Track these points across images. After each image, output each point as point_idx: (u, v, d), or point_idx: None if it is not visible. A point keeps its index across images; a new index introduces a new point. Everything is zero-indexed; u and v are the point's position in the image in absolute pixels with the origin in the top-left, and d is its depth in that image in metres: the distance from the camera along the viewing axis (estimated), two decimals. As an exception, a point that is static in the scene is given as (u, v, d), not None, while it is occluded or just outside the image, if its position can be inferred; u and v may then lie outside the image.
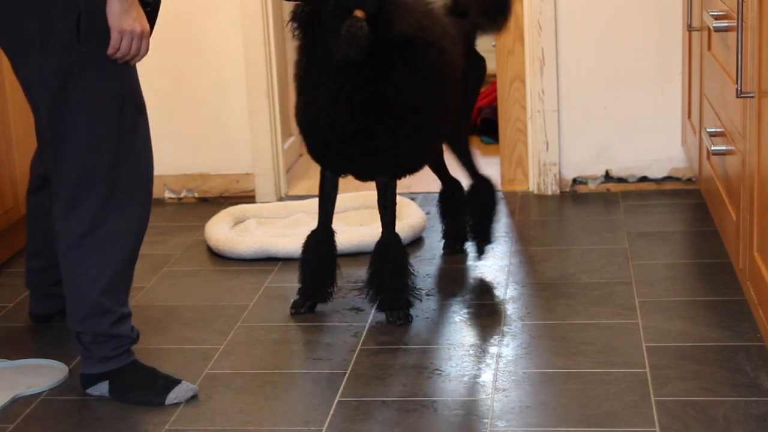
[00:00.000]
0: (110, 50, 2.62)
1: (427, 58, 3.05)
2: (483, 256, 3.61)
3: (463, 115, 3.44)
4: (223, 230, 3.87)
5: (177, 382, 2.80)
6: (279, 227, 3.99)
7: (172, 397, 2.77)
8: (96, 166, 2.69)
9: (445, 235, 3.71)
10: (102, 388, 2.81)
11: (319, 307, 3.31)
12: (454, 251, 3.68)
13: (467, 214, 3.61)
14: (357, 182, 3.28)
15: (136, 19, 2.62)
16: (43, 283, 3.22)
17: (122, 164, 2.72)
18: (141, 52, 2.66)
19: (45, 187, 3.03)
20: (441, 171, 3.65)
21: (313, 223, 3.98)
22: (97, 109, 2.67)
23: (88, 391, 2.82)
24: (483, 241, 3.61)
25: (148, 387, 2.79)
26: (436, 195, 4.33)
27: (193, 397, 2.76)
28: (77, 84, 2.65)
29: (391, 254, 3.16)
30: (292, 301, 3.30)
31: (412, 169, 3.20)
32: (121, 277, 2.78)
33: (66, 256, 2.74)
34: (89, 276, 2.73)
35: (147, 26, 2.66)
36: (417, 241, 3.82)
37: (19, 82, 2.77)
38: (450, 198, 3.65)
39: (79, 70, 2.64)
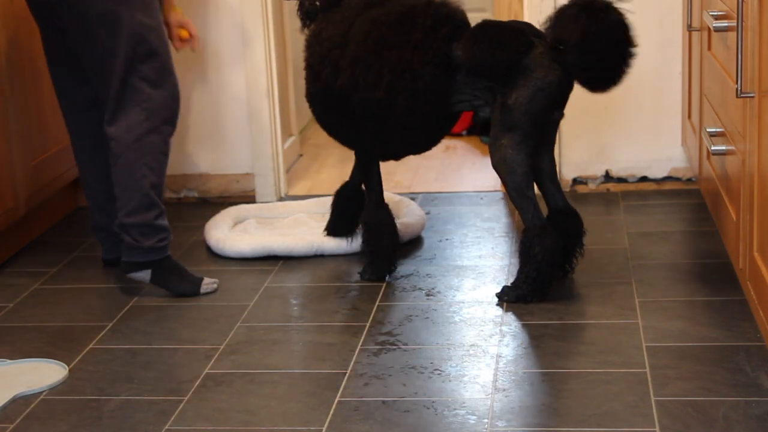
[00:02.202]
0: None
1: None
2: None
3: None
4: (223, 230, 3.88)
5: (200, 278, 3.45)
6: (278, 227, 3.99)
7: (204, 288, 3.43)
8: (136, 86, 3.34)
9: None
10: (144, 275, 3.42)
11: (319, 307, 3.31)
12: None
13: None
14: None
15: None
16: (112, 226, 3.56)
17: (158, 85, 3.37)
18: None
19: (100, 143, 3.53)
20: (545, 193, 3.43)
21: (313, 223, 4.00)
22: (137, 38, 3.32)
23: (130, 275, 3.43)
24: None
25: (184, 280, 3.44)
26: (437, 195, 4.35)
27: (194, 396, 2.76)
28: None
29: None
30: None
31: None
32: (162, 176, 3.42)
33: (121, 158, 3.34)
34: (142, 173, 3.34)
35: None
36: (416, 241, 3.82)
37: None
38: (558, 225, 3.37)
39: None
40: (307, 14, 3.56)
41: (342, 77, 3.35)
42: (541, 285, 3.25)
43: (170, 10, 3.76)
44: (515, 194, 3.25)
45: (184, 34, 3.80)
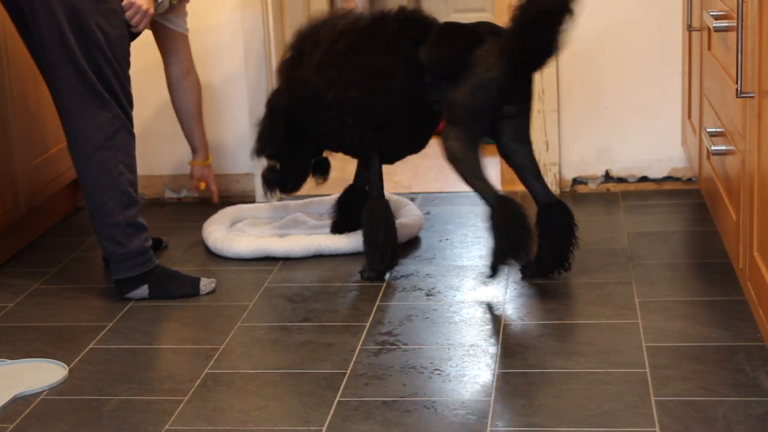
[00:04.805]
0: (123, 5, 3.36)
1: None
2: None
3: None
4: (221, 230, 3.88)
5: (198, 278, 3.43)
6: (275, 227, 3.99)
7: (202, 288, 3.42)
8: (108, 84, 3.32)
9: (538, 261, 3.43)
10: (142, 292, 3.38)
11: (319, 307, 3.31)
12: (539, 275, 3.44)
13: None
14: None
15: (147, 1, 3.39)
16: None
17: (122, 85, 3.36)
18: (140, 26, 3.41)
19: None
20: (531, 189, 3.46)
21: (311, 222, 4.01)
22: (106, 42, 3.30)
23: (128, 295, 3.39)
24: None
25: (180, 283, 3.41)
26: (436, 195, 4.35)
27: (194, 396, 2.76)
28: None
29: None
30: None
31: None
32: (136, 173, 3.39)
33: (93, 157, 3.30)
34: (119, 170, 3.31)
35: (152, 8, 3.42)
36: (415, 241, 3.82)
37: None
38: (546, 218, 3.41)
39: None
40: (268, 183, 3.75)
41: (312, 77, 3.50)
42: (519, 247, 3.28)
43: (201, 160, 3.97)
44: (469, 182, 3.32)
45: (202, 185, 4.02)
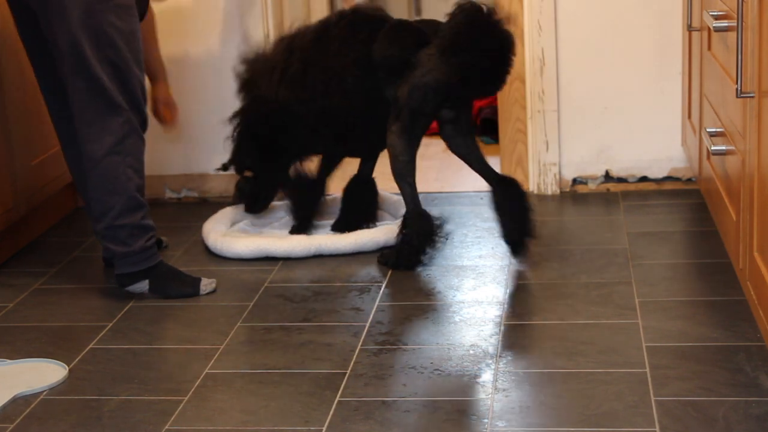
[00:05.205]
0: None
1: None
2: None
3: None
4: (221, 230, 3.87)
5: (198, 278, 3.44)
6: (275, 227, 3.99)
7: (203, 288, 3.42)
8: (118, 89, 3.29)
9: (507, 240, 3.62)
10: (142, 286, 3.40)
11: (319, 307, 3.31)
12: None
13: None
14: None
15: None
16: None
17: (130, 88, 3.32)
18: None
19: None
20: (482, 170, 3.65)
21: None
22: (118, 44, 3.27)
23: (128, 289, 3.40)
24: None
25: (181, 282, 3.42)
26: (436, 195, 4.35)
27: (194, 396, 2.77)
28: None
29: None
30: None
31: None
32: (143, 176, 3.40)
33: (102, 162, 3.29)
34: (127, 175, 3.31)
35: None
36: (417, 241, 3.82)
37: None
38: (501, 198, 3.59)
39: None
40: (241, 192, 3.96)
41: (279, 94, 3.68)
42: (408, 258, 3.55)
43: (163, 85, 3.97)
44: (396, 177, 3.56)
45: (167, 115, 4.04)
